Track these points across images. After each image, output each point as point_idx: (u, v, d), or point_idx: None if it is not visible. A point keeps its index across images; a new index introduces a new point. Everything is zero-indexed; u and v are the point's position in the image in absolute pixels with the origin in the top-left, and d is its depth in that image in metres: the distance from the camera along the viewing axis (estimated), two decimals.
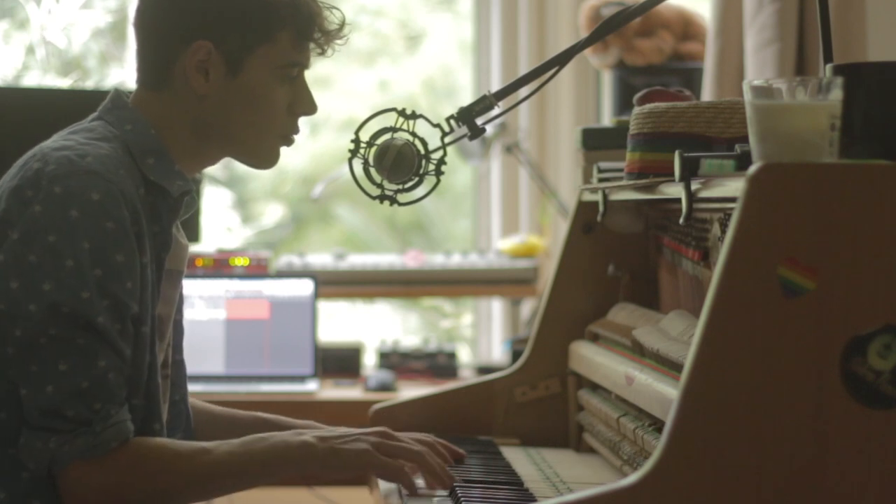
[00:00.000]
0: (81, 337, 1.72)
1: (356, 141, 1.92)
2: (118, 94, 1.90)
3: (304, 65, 1.90)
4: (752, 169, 1.43)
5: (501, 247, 3.87)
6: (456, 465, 1.94)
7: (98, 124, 1.87)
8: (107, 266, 1.73)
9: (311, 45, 1.90)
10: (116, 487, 1.74)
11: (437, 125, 1.91)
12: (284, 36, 1.86)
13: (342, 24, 1.91)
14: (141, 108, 1.88)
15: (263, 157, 1.93)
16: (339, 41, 1.92)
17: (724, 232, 1.77)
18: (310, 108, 1.92)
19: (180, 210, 1.88)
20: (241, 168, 4.83)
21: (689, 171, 1.69)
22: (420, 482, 1.84)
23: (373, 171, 1.92)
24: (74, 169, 1.75)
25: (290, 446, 1.79)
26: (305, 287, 3.43)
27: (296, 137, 1.94)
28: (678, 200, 1.73)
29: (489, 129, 2.52)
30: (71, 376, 1.71)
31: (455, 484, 1.82)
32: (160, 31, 1.88)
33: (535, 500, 1.81)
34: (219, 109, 1.87)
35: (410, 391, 3.22)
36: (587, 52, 3.50)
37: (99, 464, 1.72)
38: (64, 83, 4.46)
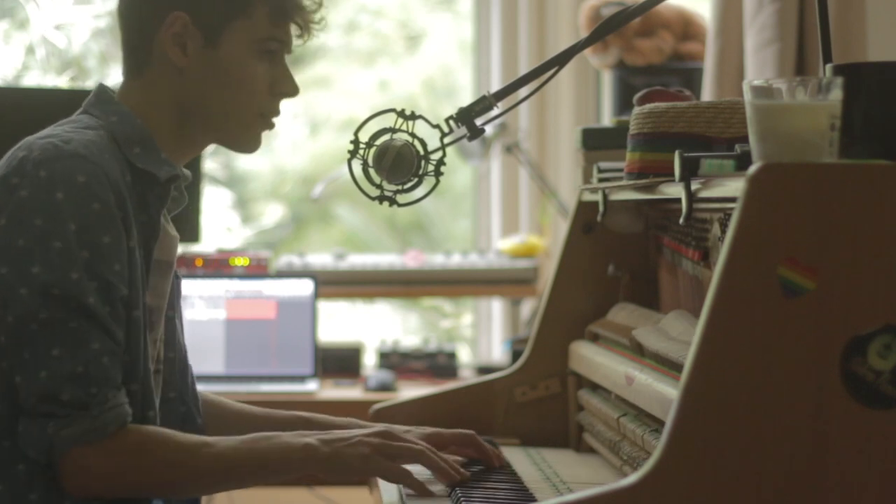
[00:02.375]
0: (73, 320, 1.72)
1: (355, 142, 1.92)
2: (102, 89, 1.92)
3: (283, 41, 1.91)
4: (752, 169, 1.43)
5: (501, 247, 3.87)
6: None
7: (83, 117, 1.88)
8: (94, 248, 1.74)
9: (291, 26, 1.91)
10: (116, 473, 1.74)
11: (437, 126, 1.91)
12: (261, 11, 1.88)
13: (319, 5, 1.92)
14: (125, 99, 1.90)
15: (244, 139, 1.93)
16: (315, 24, 1.93)
17: (724, 232, 1.77)
18: (290, 88, 1.93)
19: (168, 197, 1.88)
20: (241, 168, 4.83)
21: (689, 171, 1.69)
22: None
23: (372, 171, 1.92)
24: (59, 153, 1.76)
25: (292, 448, 1.79)
26: (305, 287, 3.43)
27: (276, 121, 1.94)
28: (678, 200, 1.73)
29: (489, 129, 2.52)
30: (65, 360, 1.71)
31: (457, 484, 1.82)
32: (138, 11, 1.90)
33: (535, 500, 1.81)
34: (198, 84, 1.88)
35: (410, 391, 3.22)
36: (587, 52, 3.50)
37: (98, 448, 1.72)
38: (62, 81, 4.46)
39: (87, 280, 1.73)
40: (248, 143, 1.93)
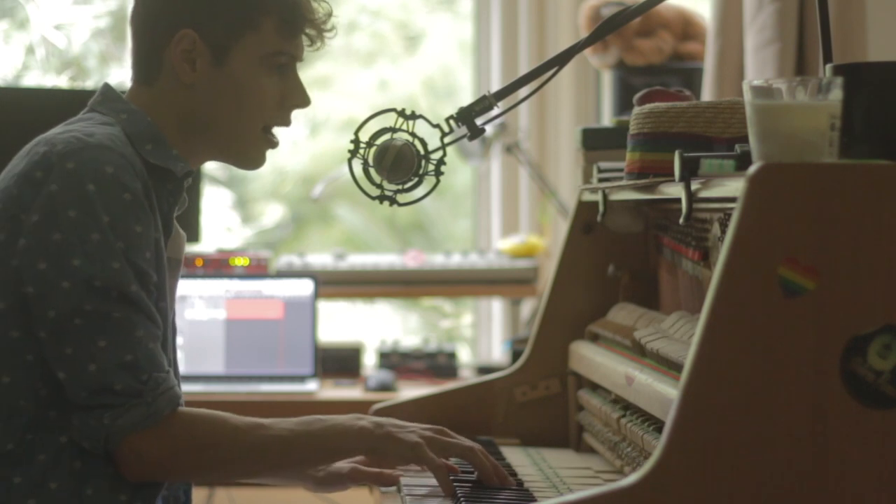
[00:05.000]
0: (116, 310, 1.73)
1: (356, 141, 1.92)
2: (108, 87, 1.91)
3: (292, 54, 1.90)
4: (752, 169, 1.43)
5: (501, 247, 3.87)
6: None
7: (93, 115, 1.88)
8: (127, 237, 1.75)
9: (301, 37, 1.91)
10: (171, 456, 1.75)
11: (437, 125, 1.91)
12: (269, 24, 1.87)
13: (329, 14, 1.92)
14: (133, 100, 1.90)
15: (247, 156, 1.92)
16: (327, 32, 1.92)
17: (724, 232, 1.77)
18: (302, 100, 1.92)
19: (182, 193, 1.89)
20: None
21: (689, 171, 1.69)
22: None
23: (372, 171, 1.92)
24: (84, 145, 1.76)
25: (348, 429, 1.82)
26: (305, 287, 3.43)
27: (279, 140, 1.93)
28: (678, 200, 1.73)
29: (489, 129, 2.52)
30: (112, 351, 1.72)
31: (456, 483, 1.82)
32: (148, 23, 1.89)
33: (535, 500, 1.81)
34: (206, 99, 1.88)
35: (410, 391, 3.22)
36: (587, 52, 3.50)
37: (154, 434, 1.73)
38: (62, 81, 4.46)
39: (126, 269, 1.73)
40: (251, 160, 1.93)
